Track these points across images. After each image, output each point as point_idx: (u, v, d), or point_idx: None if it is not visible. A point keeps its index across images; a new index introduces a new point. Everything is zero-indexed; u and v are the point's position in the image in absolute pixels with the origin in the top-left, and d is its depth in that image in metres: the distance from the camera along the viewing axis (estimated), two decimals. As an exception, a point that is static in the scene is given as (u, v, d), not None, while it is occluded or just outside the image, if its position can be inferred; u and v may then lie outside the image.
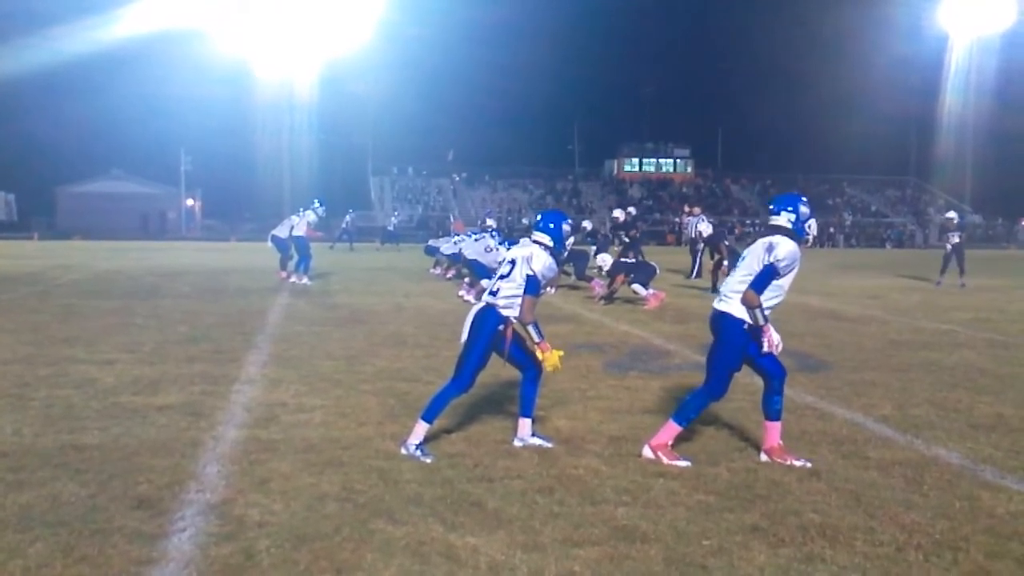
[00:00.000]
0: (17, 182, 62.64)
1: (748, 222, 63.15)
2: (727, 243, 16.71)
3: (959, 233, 19.60)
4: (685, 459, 4.93)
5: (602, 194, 70.68)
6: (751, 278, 4.88)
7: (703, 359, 8.47)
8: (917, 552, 3.69)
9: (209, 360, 8.08)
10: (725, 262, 15.77)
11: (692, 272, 20.04)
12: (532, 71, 77.82)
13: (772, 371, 5.02)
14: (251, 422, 5.73)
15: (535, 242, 5.35)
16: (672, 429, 5.00)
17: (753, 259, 4.95)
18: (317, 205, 18.68)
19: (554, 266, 5.34)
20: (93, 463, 4.74)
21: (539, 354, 5.17)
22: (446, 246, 18.91)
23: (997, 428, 5.90)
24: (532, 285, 5.12)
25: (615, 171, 76.20)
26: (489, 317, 5.15)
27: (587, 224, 22.96)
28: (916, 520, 4.08)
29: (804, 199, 5.17)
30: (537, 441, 5.29)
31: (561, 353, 5.23)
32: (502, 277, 5.23)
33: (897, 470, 4.88)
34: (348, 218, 38.99)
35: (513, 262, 5.26)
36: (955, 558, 3.64)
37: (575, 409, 6.26)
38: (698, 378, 7.52)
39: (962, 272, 19.03)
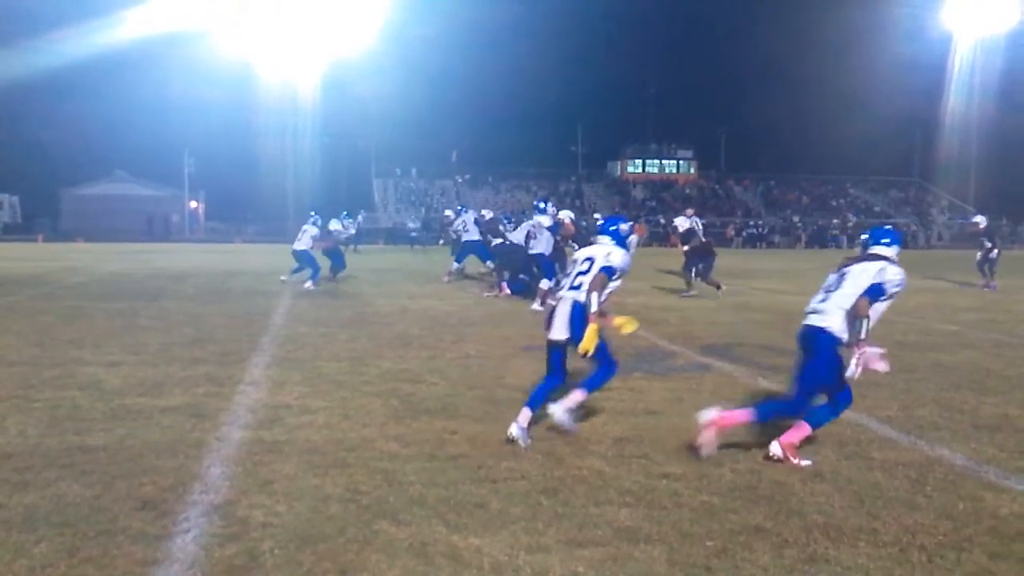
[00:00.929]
0: (21, 184, 62.79)
1: (752, 223, 63.21)
2: (700, 244, 16.21)
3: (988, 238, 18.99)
4: (808, 460, 4.99)
5: (605, 195, 70.68)
6: (855, 295, 4.98)
7: (707, 360, 8.54)
8: (921, 553, 3.69)
9: (214, 362, 8.09)
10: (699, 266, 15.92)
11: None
12: (535, 72, 77.76)
13: (841, 396, 5.11)
14: (255, 423, 5.75)
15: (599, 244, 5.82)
16: (803, 430, 5.06)
17: (856, 279, 5.08)
18: (314, 215, 18.89)
19: (630, 262, 5.87)
20: (98, 464, 4.75)
21: (593, 324, 5.38)
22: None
23: (1002, 429, 5.89)
24: (608, 271, 5.55)
25: (618, 172, 76.21)
26: (577, 310, 5.48)
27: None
28: (920, 521, 4.07)
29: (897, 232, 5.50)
30: (565, 420, 5.60)
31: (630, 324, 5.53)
32: (581, 273, 5.64)
33: (901, 471, 4.87)
34: (359, 219, 39.30)
35: (591, 259, 5.66)
36: (958, 559, 3.64)
37: (579, 410, 6.25)
38: (702, 378, 7.55)
39: (992, 275, 18.65)
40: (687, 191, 72.47)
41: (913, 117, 70.87)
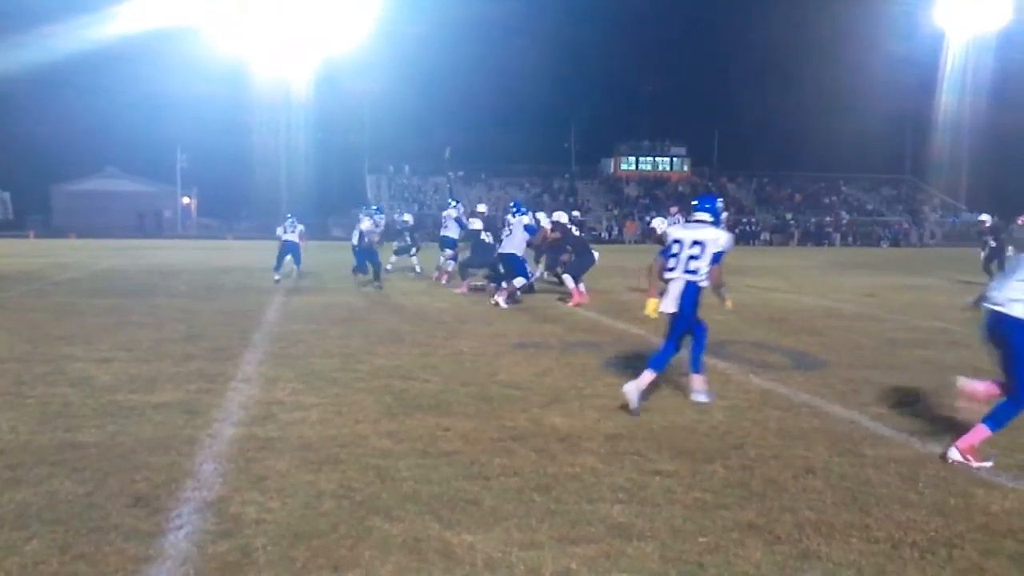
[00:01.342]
0: (12, 180, 62.56)
1: (745, 220, 63.27)
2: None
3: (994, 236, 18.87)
4: (989, 460, 5.00)
5: (599, 192, 70.71)
6: None
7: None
8: (912, 549, 3.71)
9: (206, 358, 8.08)
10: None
11: None
12: (529, 69, 77.68)
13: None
14: (248, 420, 5.74)
15: (698, 221, 6.52)
16: (982, 432, 5.03)
17: None
18: (374, 209, 18.54)
19: (732, 240, 6.87)
20: (90, 461, 4.74)
21: (728, 304, 6.96)
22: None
23: (992, 426, 5.90)
24: (718, 258, 6.36)
25: (611, 169, 76.21)
26: (691, 289, 6.29)
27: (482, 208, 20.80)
28: (911, 517, 4.09)
29: None
30: (703, 398, 6.45)
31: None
32: (692, 258, 6.34)
33: (893, 468, 4.89)
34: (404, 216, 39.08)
35: (701, 244, 6.34)
36: (950, 555, 3.66)
37: (572, 407, 6.27)
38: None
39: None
40: (680, 188, 72.51)
41: (905, 115, 71.01)
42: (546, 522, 3.96)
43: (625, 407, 6.08)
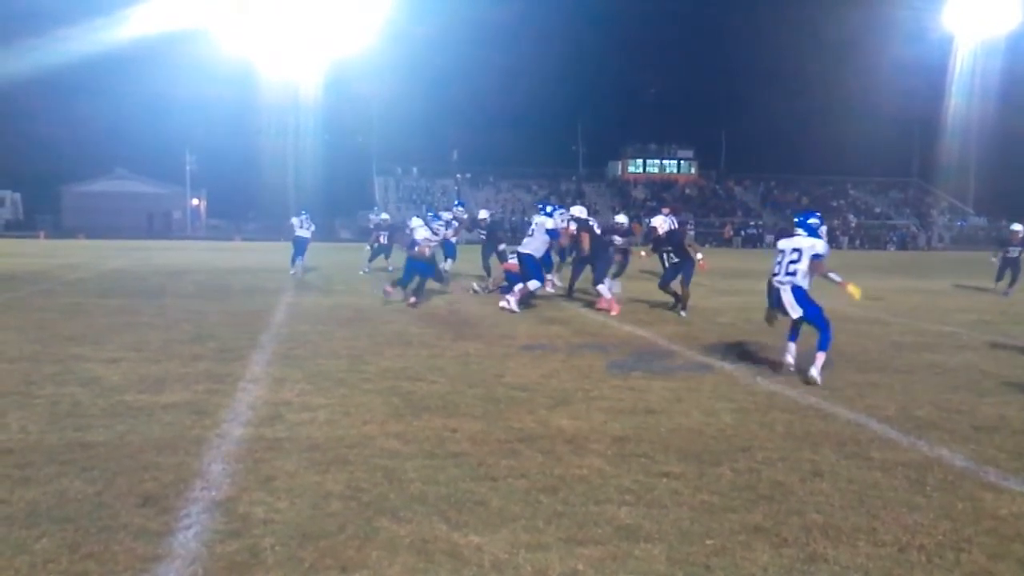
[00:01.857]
0: (23, 181, 62.91)
1: (752, 223, 63.18)
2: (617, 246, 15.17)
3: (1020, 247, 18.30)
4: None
5: (606, 195, 70.69)
6: None
7: (706, 359, 8.55)
8: (920, 553, 3.70)
9: (214, 359, 8.10)
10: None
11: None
12: (536, 72, 78.02)
13: None
14: (256, 420, 5.75)
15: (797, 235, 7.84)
16: None
17: None
18: (431, 215, 17.35)
19: (828, 248, 8.12)
20: (99, 460, 4.76)
21: (850, 288, 7.91)
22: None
23: (1000, 430, 5.90)
24: (819, 257, 7.64)
25: (619, 172, 76.23)
26: (800, 291, 7.64)
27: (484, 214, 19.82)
28: (919, 521, 4.09)
29: None
30: (814, 373, 7.39)
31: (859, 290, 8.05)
32: (792, 262, 7.67)
33: (900, 471, 4.88)
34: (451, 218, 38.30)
35: (799, 251, 7.68)
36: (957, 559, 3.65)
37: (579, 409, 6.27)
38: (702, 378, 7.56)
39: (1013, 282, 18.12)
40: (687, 191, 72.48)
41: (913, 118, 70.96)
42: (553, 523, 3.96)
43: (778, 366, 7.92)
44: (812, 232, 7.92)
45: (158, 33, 52.92)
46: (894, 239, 61.90)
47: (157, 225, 62.03)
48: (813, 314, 7.64)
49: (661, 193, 70.37)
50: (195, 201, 68.27)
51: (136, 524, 3.83)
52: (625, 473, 4.75)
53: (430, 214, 17.03)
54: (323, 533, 3.78)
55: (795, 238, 7.85)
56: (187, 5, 52.11)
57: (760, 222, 64.74)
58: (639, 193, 70.80)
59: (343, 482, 4.48)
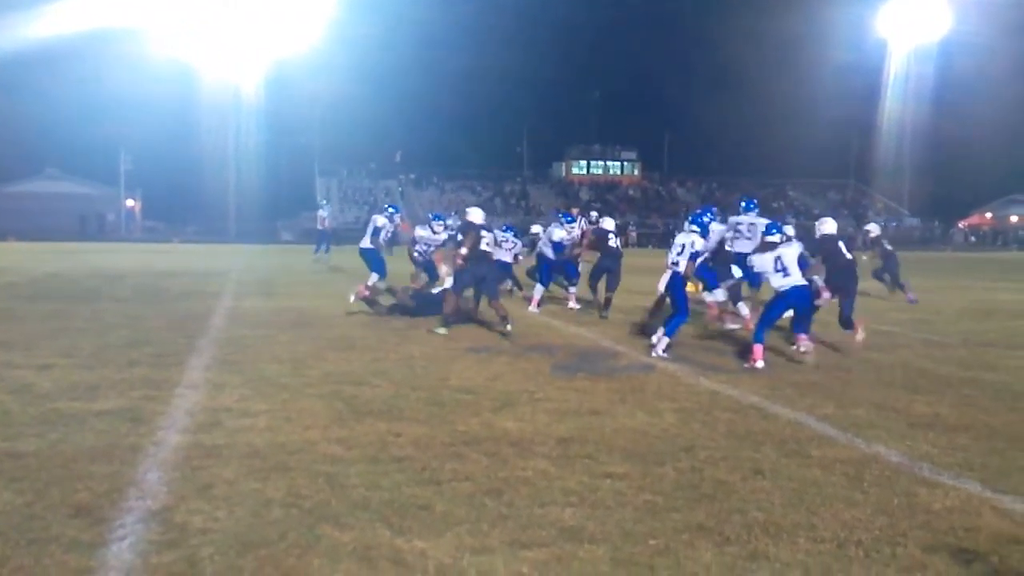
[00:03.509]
0: (-51, 182, 60.74)
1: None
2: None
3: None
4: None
5: (550, 196, 70.97)
6: None
7: (651, 360, 8.62)
8: (857, 548, 3.78)
9: (150, 364, 7.91)
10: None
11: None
12: (481, 73, 77.93)
13: None
14: (194, 427, 5.63)
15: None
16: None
17: None
18: (432, 216, 15.56)
19: (709, 244, 10.04)
20: (29, 470, 4.60)
21: (689, 285, 9.38)
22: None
23: (934, 426, 6.05)
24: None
25: (563, 173, 76.59)
26: (678, 277, 9.05)
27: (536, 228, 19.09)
28: (857, 516, 4.17)
29: None
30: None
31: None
32: (678, 254, 9.02)
33: (839, 468, 4.98)
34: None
35: (684, 245, 8.99)
36: (894, 553, 3.73)
37: (523, 411, 6.27)
38: (645, 378, 7.61)
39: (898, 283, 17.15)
40: (631, 192, 73.18)
41: (850, 121, 72.71)
42: (498, 527, 3.95)
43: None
44: (703, 228, 9.27)
45: (91, 29, 51.54)
46: (831, 240, 63.20)
47: (90, 227, 60.31)
48: (678, 298, 9.04)
49: (606, 195, 70.96)
50: (130, 202, 66.59)
51: (68, 536, 3.71)
52: (569, 475, 4.76)
53: (432, 215, 15.82)
54: (263, 541, 3.71)
55: (686, 234, 9.15)
56: (122, 1, 50.88)
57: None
58: (584, 195, 71.23)
59: (284, 489, 4.40)
